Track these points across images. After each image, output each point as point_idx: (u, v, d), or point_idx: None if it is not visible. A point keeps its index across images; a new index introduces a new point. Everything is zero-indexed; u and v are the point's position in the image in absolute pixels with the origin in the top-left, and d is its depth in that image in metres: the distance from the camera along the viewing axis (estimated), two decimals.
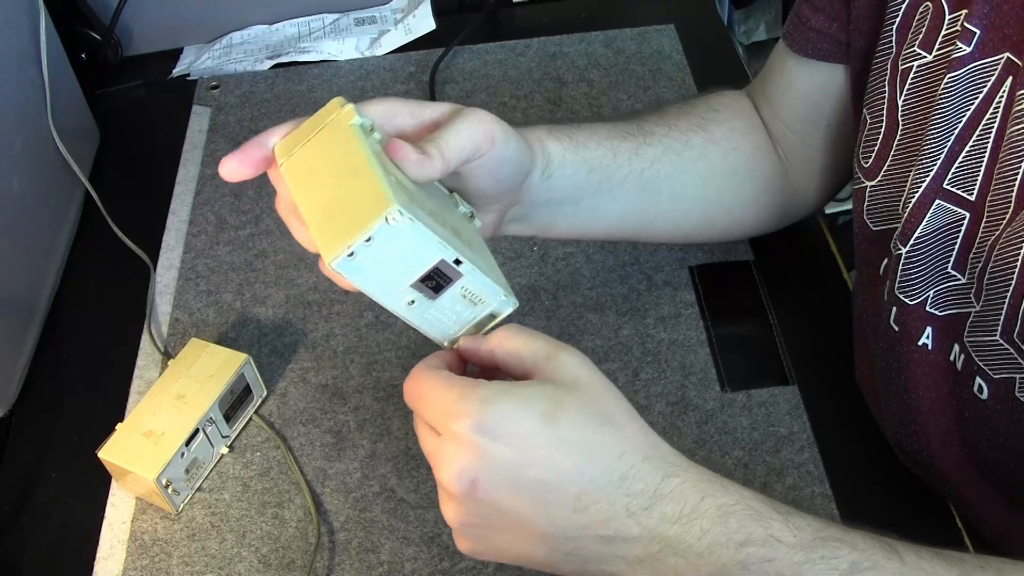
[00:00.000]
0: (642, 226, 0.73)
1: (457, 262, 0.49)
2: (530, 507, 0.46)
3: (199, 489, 0.71)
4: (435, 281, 0.50)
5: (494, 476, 0.45)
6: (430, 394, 0.48)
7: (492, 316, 0.53)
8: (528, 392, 0.47)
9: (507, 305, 0.53)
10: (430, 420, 0.48)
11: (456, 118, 0.54)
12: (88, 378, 0.81)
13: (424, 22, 1.11)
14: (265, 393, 0.77)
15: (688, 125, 0.72)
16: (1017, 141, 0.52)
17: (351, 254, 0.46)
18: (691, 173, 0.72)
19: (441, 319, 0.52)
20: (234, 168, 0.53)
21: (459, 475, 0.46)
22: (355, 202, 0.47)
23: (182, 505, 0.70)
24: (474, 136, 0.54)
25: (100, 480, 0.72)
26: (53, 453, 0.75)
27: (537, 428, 0.46)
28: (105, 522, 0.70)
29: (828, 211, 1.32)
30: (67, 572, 0.68)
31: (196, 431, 0.69)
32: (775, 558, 0.45)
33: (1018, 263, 0.51)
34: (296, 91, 1.05)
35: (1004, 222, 0.53)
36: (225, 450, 0.73)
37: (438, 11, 1.11)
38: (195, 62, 1.10)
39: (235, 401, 0.73)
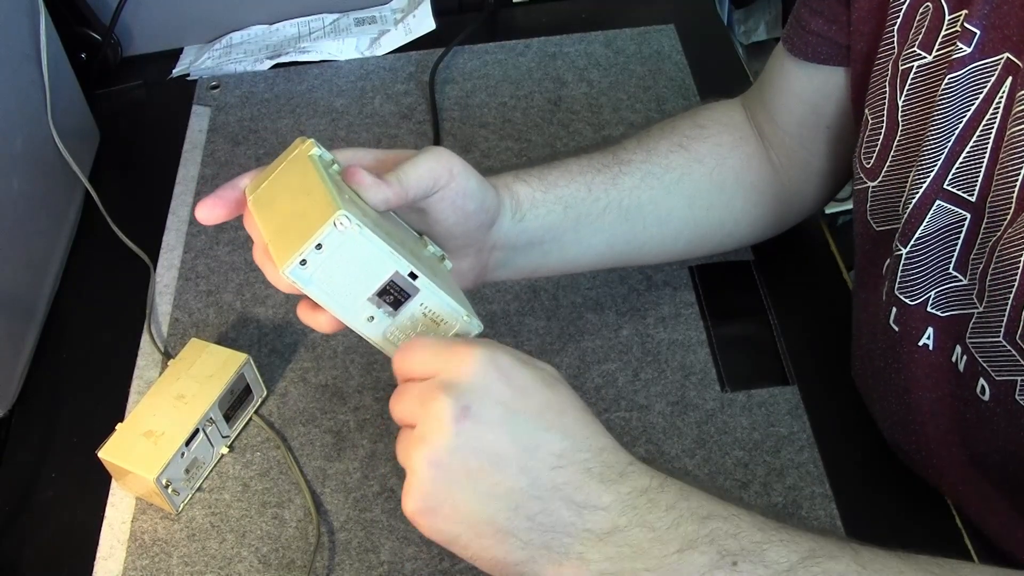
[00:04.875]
0: (631, 253, 0.73)
1: (413, 276, 0.50)
2: (512, 452, 0.45)
3: (199, 489, 0.71)
4: (392, 296, 0.50)
5: (490, 408, 0.45)
6: (433, 344, 0.48)
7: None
8: (532, 361, 0.49)
9: (472, 327, 0.53)
10: (428, 364, 0.47)
11: (416, 154, 0.56)
12: (88, 378, 0.81)
13: (424, 22, 1.11)
14: (265, 393, 0.77)
15: (668, 147, 0.72)
16: (1017, 142, 0.52)
17: (303, 262, 0.48)
18: (675, 195, 0.72)
19: (404, 340, 0.52)
20: (208, 210, 0.54)
21: (457, 399, 0.45)
22: (307, 215, 0.48)
23: (182, 505, 0.70)
24: (433, 168, 0.55)
25: (100, 480, 0.72)
26: (53, 453, 0.75)
27: (536, 385, 0.47)
28: (105, 522, 0.70)
29: (828, 211, 1.32)
30: (67, 572, 0.68)
31: (196, 431, 0.69)
32: (739, 533, 0.45)
33: (1020, 265, 0.51)
34: (296, 91, 1.05)
35: (1005, 223, 0.53)
36: (225, 450, 0.73)
37: (438, 11, 1.11)
38: (195, 62, 1.10)
39: (235, 401, 0.73)
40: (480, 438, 0.45)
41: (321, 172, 0.50)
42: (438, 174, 0.55)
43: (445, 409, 0.45)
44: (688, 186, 0.72)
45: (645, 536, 0.45)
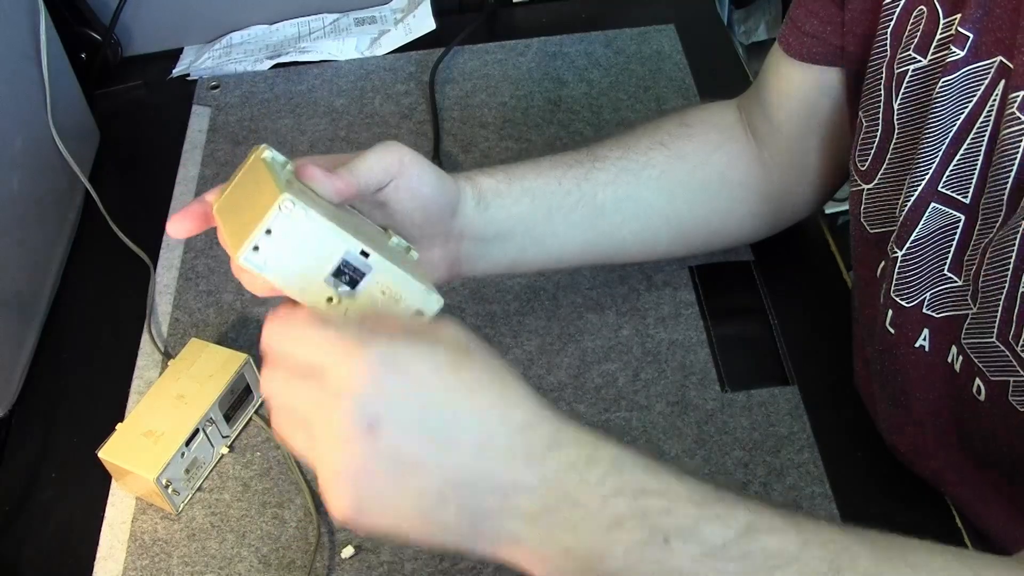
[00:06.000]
0: (612, 249, 0.74)
1: (364, 254, 0.51)
2: (430, 451, 0.43)
3: (199, 489, 0.71)
4: (348, 276, 0.51)
5: (398, 414, 0.43)
6: (315, 330, 0.44)
7: (420, 313, 0.54)
8: (433, 338, 0.45)
9: (432, 302, 0.53)
10: (313, 357, 0.44)
11: (369, 149, 0.57)
12: (88, 378, 0.81)
13: (424, 22, 1.11)
14: None
15: (649, 144, 0.72)
16: (1009, 144, 0.52)
17: (255, 248, 0.49)
18: (654, 191, 0.72)
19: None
20: (178, 224, 0.55)
21: (361, 411, 0.42)
22: (256, 207, 0.50)
23: (182, 505, 0.70)
24: (382, 158, 0.57)
25: (100, 480, 0.72)
26: (53, 453, 0.75)
27: (443, 372, 0.44)
28: (105, 522, 0.70)
29: (828, 211, 1.32)
30: (67, 572, 0.68)
31: (196, 431, 0.70)
32: (672, 510, 0.43)
33: (1010, 265, 0.52)
34: (296, 91, 1.05)
35: (997, 225, 0.53)
36: (225, 450, 0.73)
37: (438, 11, 1.11)
38: (195, 62, 1.10)
39: (235, 401, 0.73)
40: (394, 448, 0.43)
41: (272, 170, 0.52)
42: (388, 163, 0.57)
43: (351, 424, 0.42)
44: (668, 183, 0.72)
45: (574, 514, 0.43)
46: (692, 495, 0.44)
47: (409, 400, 0.43)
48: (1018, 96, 0.51)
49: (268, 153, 0.54)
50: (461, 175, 0.65)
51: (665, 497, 0.43)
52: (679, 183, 0.73)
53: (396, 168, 0.57)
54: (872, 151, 0.63)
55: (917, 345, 0.61)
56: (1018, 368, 0.53)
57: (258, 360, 0.76)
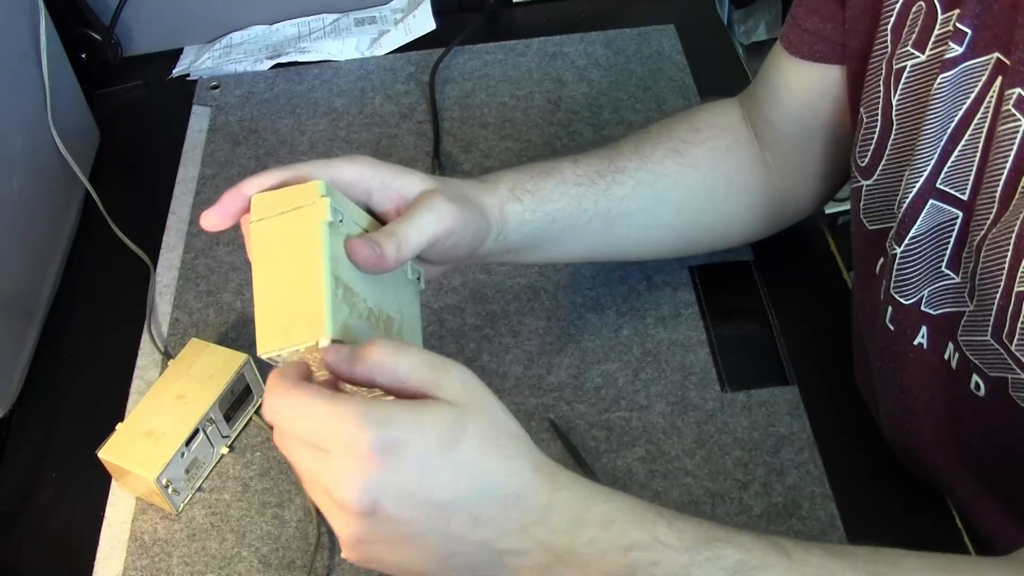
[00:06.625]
0: (613, 253, 0.75)
1: None
2: (429, 527, 0.46)
3: (199, 489, 0.71)
4: None
5: (397, 497, 0.45)
6: (313, 410, 0.45)
7: None
8: (429, 413, 0.46)
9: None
10: (313, 437, 0.45)
11: (419, 211, 0.57)
12: (88, 378, 0.81)
13: (424, 22, 1.11)
14: None
15: (664, 152, 0.72)
16: (1004, 141, 0.52)
17: (279, 354, 0.50)
18: (665, 202, 0.72)
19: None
20: (215, 220, 0.55)
21: (361, 494, 0.44)
22: (298, 309, 0.50)
23: (182, 505, 0.70)
24: (435, 232, 0.57)
25: (100, 480, 0.72)
26: (53, 453, 0.76)
27: (439, 451, 0.45)
28: (105, 522, 0.70)
29: (828, 211, 1.32)
30: (67, 572, 0.68)
31: (196, 431, 0.70)
32: (660, 561, 0.45)
33: (1006, 263, 0.52)
34: (296, 91, 1.05)
35: (988, 222, 0.53)
36: (225, 450, 0.73)
37: (438, 11, 1.11)
38: (195, 62, 1.10)
39: (235, 401, 0.73)
40: (394, 523, 0.45)
41: (325, 251, 0.50)
42: (438, 236, 0.57)
43: (355, 502, 0.44)
44: (679, 193, 0.72)
45: (568, 570, 0.46)
46: (682, 542, 0.46)
47: (408, 483, 0.45)
48: (1014, 93, 0.51)
49: (327, 217, 0.51)
50: (493, 203, 0.64)
51: (653, 549, 0.46)
52: (690, 192, 0.73)
53: (445, 238, 0.58)
54: (872, 147, 0.63)
55: (916, 343, 0.61)
56: (1013, 366, 0.53)
57: (258, 360, 0.76)
